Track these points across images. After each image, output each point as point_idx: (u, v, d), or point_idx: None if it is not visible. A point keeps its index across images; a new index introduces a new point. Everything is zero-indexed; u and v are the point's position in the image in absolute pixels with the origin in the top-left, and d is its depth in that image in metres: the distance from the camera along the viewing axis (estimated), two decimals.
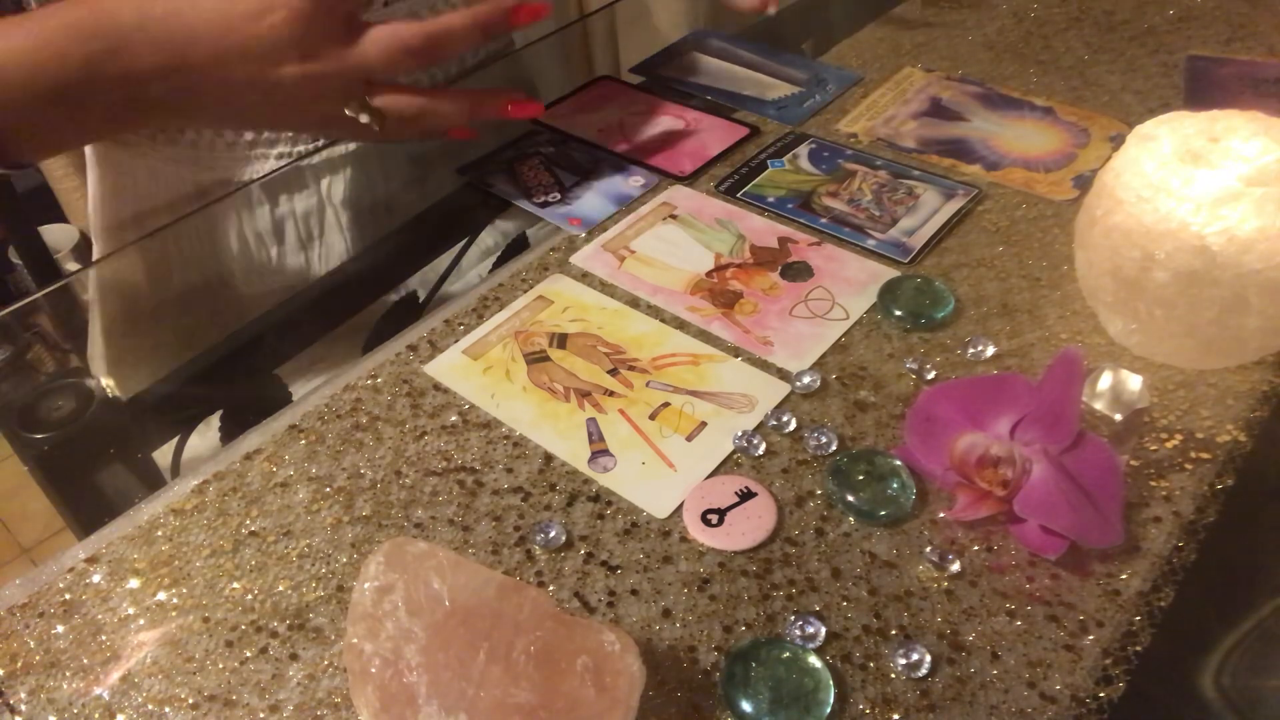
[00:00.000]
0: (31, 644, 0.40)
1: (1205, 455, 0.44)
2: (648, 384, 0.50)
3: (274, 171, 0.66)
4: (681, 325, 0.53)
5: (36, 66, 0.44)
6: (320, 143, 0.67)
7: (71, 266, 1.83)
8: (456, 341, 0.53)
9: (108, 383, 0.60)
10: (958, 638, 0.38)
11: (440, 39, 0.49)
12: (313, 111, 0.52)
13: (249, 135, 0.66)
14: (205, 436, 0.57)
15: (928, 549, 0.41)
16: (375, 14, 0.64)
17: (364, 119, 0.51)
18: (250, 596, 0.41)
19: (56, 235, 1.85)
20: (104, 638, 0.40)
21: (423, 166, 0.72)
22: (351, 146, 0.68)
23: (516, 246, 0.67)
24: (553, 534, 0.43)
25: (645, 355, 0.52)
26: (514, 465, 0.46)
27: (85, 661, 0.40)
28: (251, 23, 0.46)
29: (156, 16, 0.46)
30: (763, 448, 0.46)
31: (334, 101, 0.51)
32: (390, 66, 0.50)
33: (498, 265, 0.64)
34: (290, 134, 0.67)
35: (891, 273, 0.55)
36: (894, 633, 0.39)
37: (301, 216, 0.68)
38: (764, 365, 0.51)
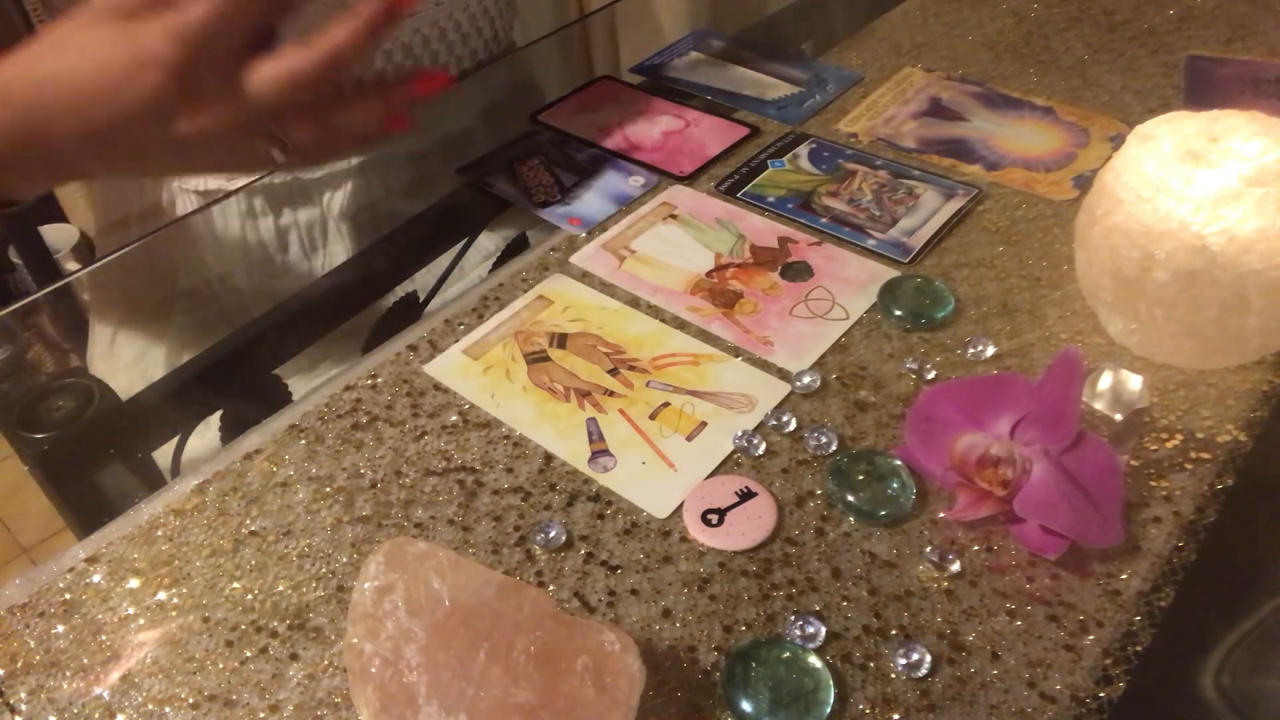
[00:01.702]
0: (31, 644, 0.40)
1: (1205, 455, 0.44)
2: (648, 384, 0.50)
3: (264, 176, 0.67)
4: (681, 325, 0.53)
5: None
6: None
7: (71, 266, 1.83)
8: (456, 341, 0.53)
9: (108, 383, 0.60)
10: (958, 638, 0.38)
11: (329, 59, 0.45)
12: (228, 157, 0.50)
13: None
14: (205, 436, 0.57)
15: (928, 549, 0.41)
16: None
17: (279, 156, 0.49)
18: (250, 596, 0.41)
19: (56, 235, 1.85)
20: (104, 637, 0.40)
21: (425, 178, 0.72)
22: (352, 160, 0.68)
23: (516, 246, 0.67)
24: (553, 534, 0.43)
25: (645, 355, 0.52)
26: (514, 465, 0.46)
27: (85, 661, 0.40)
28: (128, 83, 0.44)
29: (39, 87, 0.45)
30: (763, 448, 0.46)
31: (243, 145, 0.48)
32: (285, 100, 0.47)
33: (498, 265, 0.64)
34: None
35: (891, 273, 0.55)
36: (894, 633, 0.39)
37: (305, 227, 0.68)
38: (764, 365, 0.51)
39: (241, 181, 0.68)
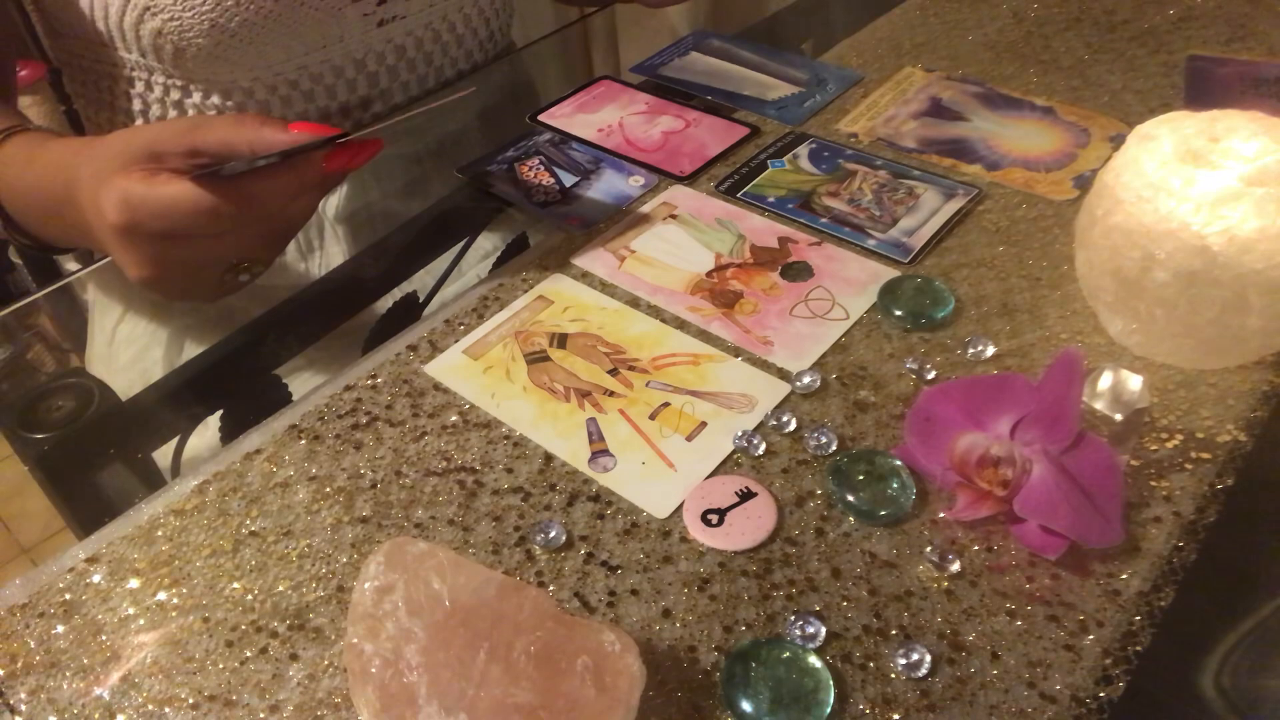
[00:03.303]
0: (31, 644, 0.40)
1: (1205, 455, 0.44)
2: (648, 384, 0.50)
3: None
4: (681, 325, 0.53)
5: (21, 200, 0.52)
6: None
7: (72, 266, 1.83)
8: (456, 341, 0.53)
9: (108, 383, 0.60)
10: (958, 638, 0.38)
11: (276, 212, 0.46)
12: (212, 291, 0.50)
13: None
14: (205, 436, 0.57)
15: (928, 549, 0.41)
16: (359, 29, 0.64)
17: (244, 279, 0.49)
18: (250, 596, 0.41)
19: None
20: (104, 638, 0.40)
21: (425, 178, 0.72)
22: None
23: (516, 246, 0.67)
24: (553, 534, 0.43)
25: (645, 355, 0.52)
26: (514, 465, 0.46)
27: (85, 661, 0.40)
28: (100, 235, 0.46)
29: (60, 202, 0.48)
30: (763, 448, 0.46)
31: (213, 279, 0.48)
32: (210, 230, 0.46)
33: (498, 265, 0.64)
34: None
35: (891, 273, 0.55)
36: (894, 633, 0.39)
37: (302, 230, 0.68)
38: (764, 365, 0.51)
39: None
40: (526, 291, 0.56)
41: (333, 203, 0.68)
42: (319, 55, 0.65)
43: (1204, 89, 0.68)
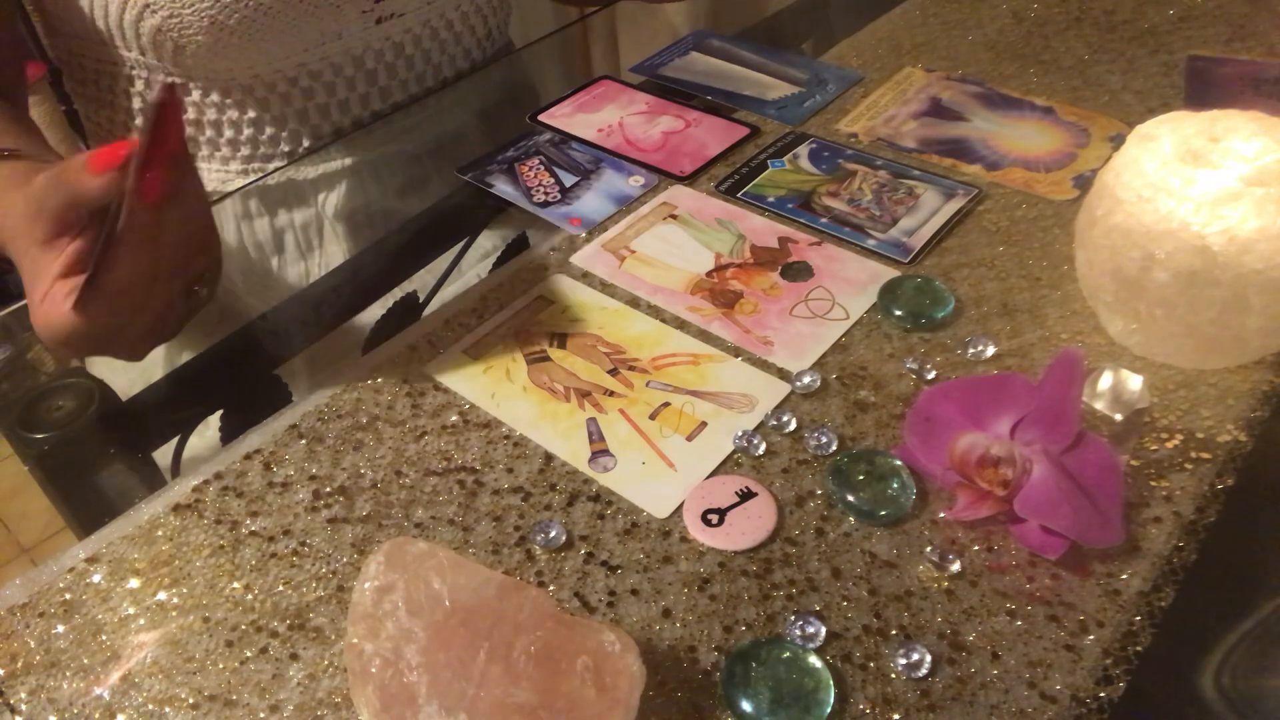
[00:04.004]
0: (32, 644, 0.40)
1: (1205, 455, 0.44)
2: (648, 384, 0.50)
3: (262, 176, 0.67)
4: (681, 325, 0.53)
5: None
6: (312, 155, 0.67)
7: None
8: (456, 341, 0.53)
9: (108, 383, 0.60)
10: (958, 638, 0.38)
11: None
12: (182, 321, 0.48)
13: (245, 150, 0.67)
14: (205, 436, 0.57)
15: (928, 549, 0.41)
16: (358, 26, 0.64)
17: (204, 292, 0.46)
18: (250, 596, 0.41)
19: None
20: (104, 638, 0.40)
21: (420, 180, 0.72)
22: (346, 161, 0.68)
23: (516, 246, 0.67)
24: (553, 534, 0.43)
25: (645, 355, 0.52)
26: (514, 465, 0.46)
27: (85, 661, 0.40)
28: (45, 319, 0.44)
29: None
30: (763, 448, 0.46)
31: (174, 315, 0.46)
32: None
33: (498, 265, 0.64)
34: (287, 150, 0.67)
35: (892, 273, 0.55)
36: (894, 633, 0.39)
37: (300, 228, 0.68)
38: (764, 365, 0.51)
39: (237, 183, 0.68)
40: (526, 291, 0.56)
41: (333, 202, 0.68)
42: (318, 53, 0.65)
43: (1204, 89, 0.68)
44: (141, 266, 0.41)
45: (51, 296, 0.42)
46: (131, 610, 0.41)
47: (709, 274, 0.57)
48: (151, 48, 0.61)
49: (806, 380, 0.49)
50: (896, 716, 0.36)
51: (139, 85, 0.65)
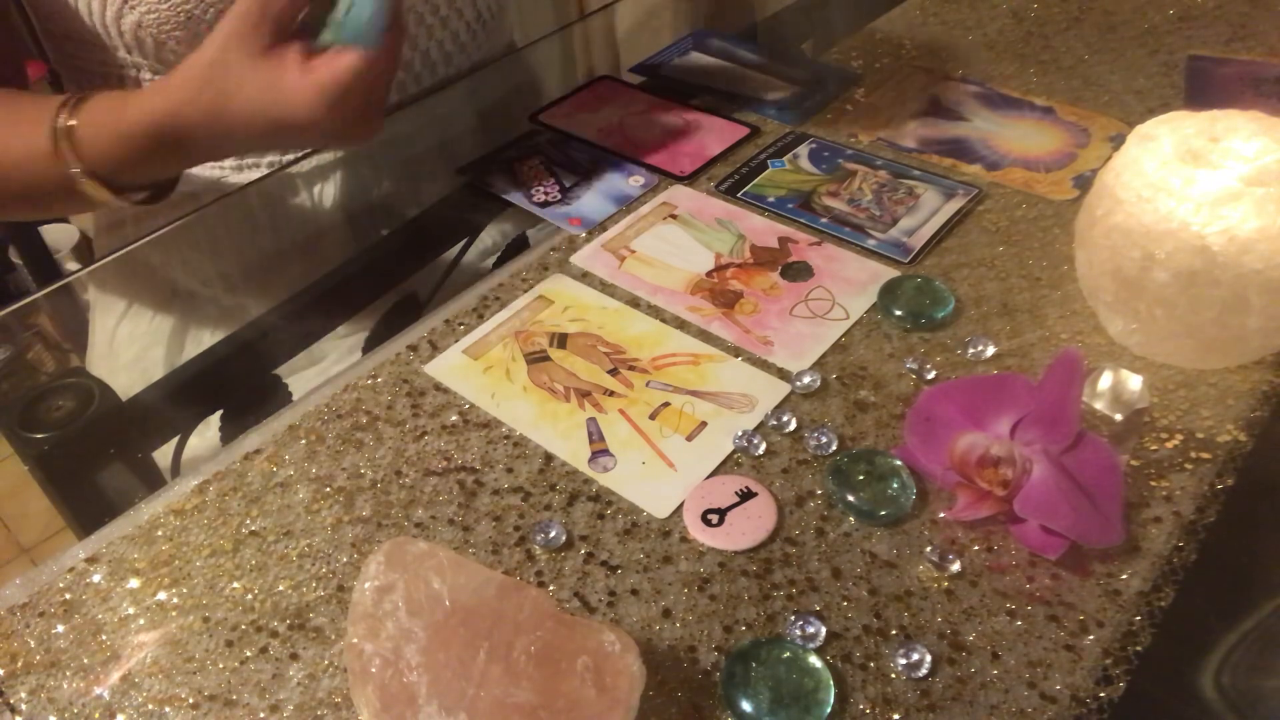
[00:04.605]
0: (32, 644, 0.40)
1: (1205, 455, 0.44)
2: (648, 384, 0.50)
3: (263, 178, 0.67)
4: (681, 325, 0.53)
5: (121, 160, 0.53)
6: (307, 151, 0.67)
7: (72, 266, 1.83)
8: (456, 341, 0.53)
9: (108, 383, 0.60)
10: (958, 638, 0.38)
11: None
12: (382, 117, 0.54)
13: None
14: (205, 436, 0.57)
15: (928, 549, 0.41)
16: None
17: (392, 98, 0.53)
18: (250, 596, 0.41)
19: (56, 235, 1.85)
20: (104, 637, 0.40)
21: (420, 179, 0.72)
22: (341, 154, 0.68)
23: (516, 246, 0.67)
24: (553, 534, 0.43)
25: (645, 355, 0.52)
26: (514, 465, 0.46)
27: (85, 661, 0.40)
28: (281, 137, 0.52)
29: (193, 128, 0.51)
30: (763, 448, 0.46)
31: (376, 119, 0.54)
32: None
33: (498, 265, 0.64)
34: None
35: (891, 273, 0.55)
36: (894, 633, 0.39)
37: (298, 222, 0.68)
38: (764, 365, 0.51)
39: (232, 180, 0.68)
40: (526, 291, 0.56)
41: (329, 200, 0.68)
42: None
43: (1204, 89, 0.68)
44: (396, 51, 0.51)
45: (309, 65, 0.49)
46: (131, 610, 0.41)
47: (709, 274, 0.57)
48: (136, 45, 0.61)
49: (806, 380, 0.49)
50: (896, 716, 0.36)
51: (129, 85, 0.65)
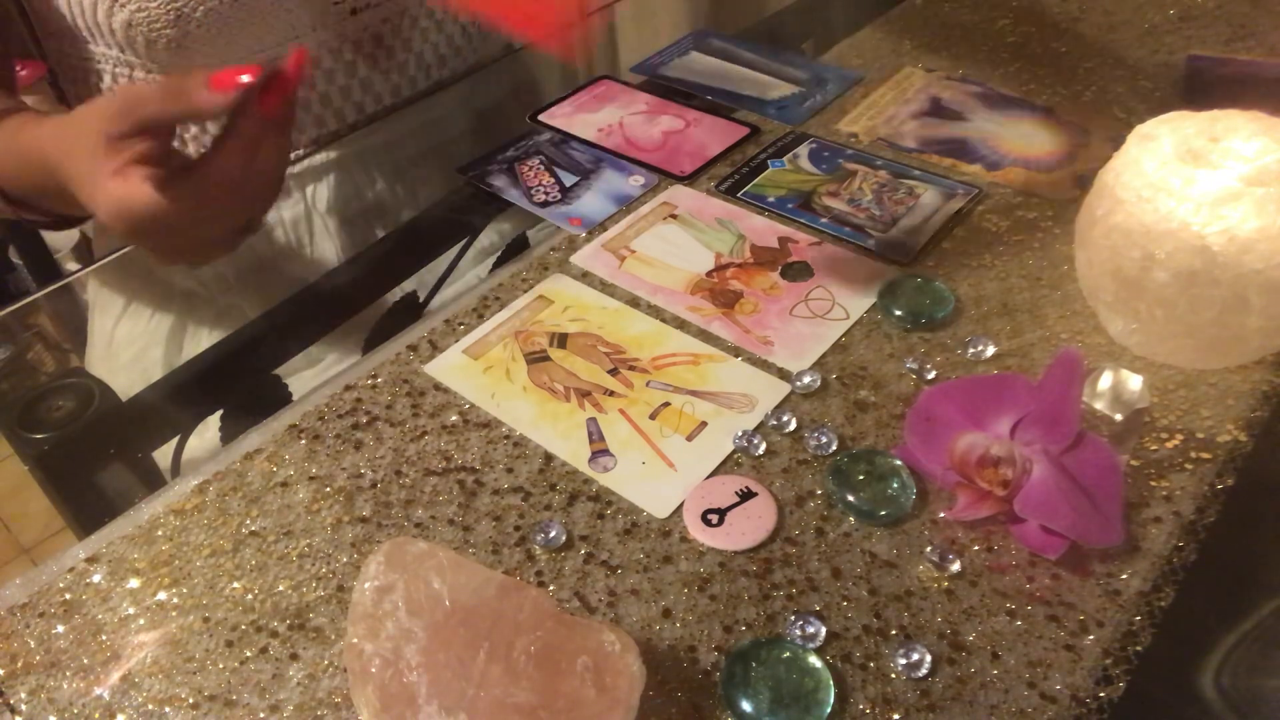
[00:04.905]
0: (32, 644, 0.40)
1: (1205, 455, 0.44)
2: (648, 384, 0.50)
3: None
4: (682, 325, 0.53)
5: (12, 178, 0.54)
6: (301, 151, 0.67)
7: (71, 266, 1.83)
8: (456, 341, 0.53)
9: (108, 383, 0.60)
10: (958, 638, 0.38)
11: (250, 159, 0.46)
12: (223, 250, 0.51)
13: None
14: (205, 436, 0.57)
15: (928, 549, 0.41)
16: (333, 18, 0.64)
17: (255, 226, 0.50)
18: (250, 596, 0.41)
19: (56, 235, 1.85)
20: (104, 637, 0.40)
21: (420, 179, 0.72)
22: (333, 154, 0.68)
23: (516, 246, 0.67)
24: (553, 534, 0.43)
25: (645, 355, 0.52)
26: (514, 465, 0.46)
27: (85, 661, 0.40)
28: (114, 225, 0.48)
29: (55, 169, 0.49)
30: (763, 448, 0.46)
31: (221, 242, 0.50)
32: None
33: (498, 265, 0.64)
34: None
35: (892, 272, 0.55)
36: (894, 633, 0.39)
37: (290, 223, 0.68)
38: (764, 365, 0.51)
39: None
40: (526, 291, 0.56)
41: (333, 201, 0.68)
42: (293, 45, 0.64)
43: (1204, 89, 0.68)
44: (234, 173, 0.45)
45: (126, 174, 0.45)
46: (131, 610, 0.41)
47: (709, 274, 0.57)
48: (126, 43, 0.61)
49: (806, 380, 0.49)
50: (896, 716, 0.36)
51: (123, 83, 0.65)
